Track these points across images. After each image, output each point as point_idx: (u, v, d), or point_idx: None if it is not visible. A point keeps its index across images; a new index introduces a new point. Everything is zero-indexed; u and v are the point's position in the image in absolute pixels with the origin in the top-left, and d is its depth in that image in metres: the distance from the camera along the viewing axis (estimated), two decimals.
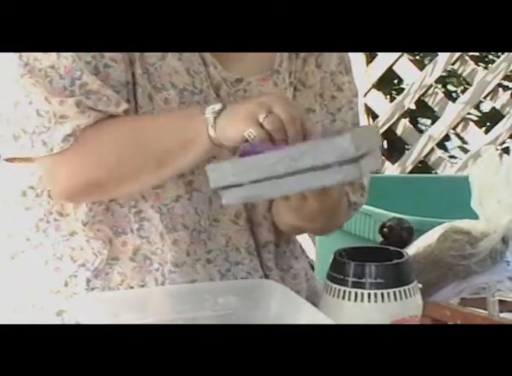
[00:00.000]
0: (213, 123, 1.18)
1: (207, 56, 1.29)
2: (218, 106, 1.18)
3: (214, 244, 1.32)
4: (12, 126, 1.23)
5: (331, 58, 1.40)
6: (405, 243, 1.52)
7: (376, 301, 1.20)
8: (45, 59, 1.22)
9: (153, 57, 1.26)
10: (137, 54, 1.26)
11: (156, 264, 1.29)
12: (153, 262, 1.29)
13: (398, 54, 3.59)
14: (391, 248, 1.30)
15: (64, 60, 1.22)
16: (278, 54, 1.35)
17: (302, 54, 1.38)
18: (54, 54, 1.22)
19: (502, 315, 1.32)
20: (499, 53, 3.88)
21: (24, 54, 1.22)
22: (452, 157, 4.06)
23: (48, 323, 1.27)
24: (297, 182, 1.12)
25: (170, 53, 1.27)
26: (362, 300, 1.20)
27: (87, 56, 1.22)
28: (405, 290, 1.21)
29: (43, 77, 1.21)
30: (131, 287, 1.28)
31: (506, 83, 3.91)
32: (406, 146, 3.69)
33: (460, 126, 3.74)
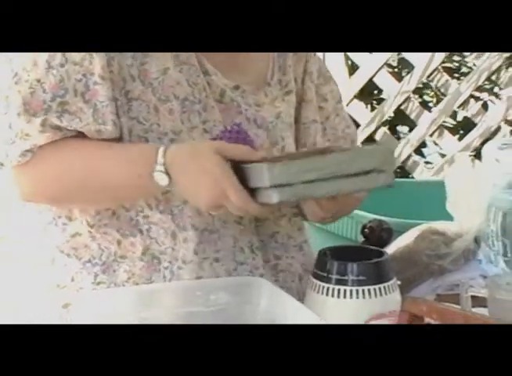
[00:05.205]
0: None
1: (209, 66, 1.35)
2: (164, 182, 1.22)
3: (224, 244, 1.34)
4: None
5: (313, 71, 1.47)
6: (385, 243, 1.55)
7: (358, 298, 1.23)
8: (33, 72, 1.25)
9: (155, 72, 1.31)
10: (136, 72, 1.30)
11: (166, 262, 1.32)
12: (162, 261, 1.32)
13: (379, 66, 3.67)
14: (372, 248, 1.33)
15: (52, 77, 1.25)
16: (270, 67, 1.42)
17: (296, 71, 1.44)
18: (43, 67, 1.25)
19: (475, 310, 1.35)
20: (472, 66, 3.97)
21: (15, 64, 1.25)
22: (427, 162, 4.12)
23: (50, 321, 1.31)
24: (340, 185, 1.18)
25: (171, 67, 1.32)
26: (344, 296, 1.23)
27: (77, 74, 1.25)
28: (385, 286, 1.24)
29: (26, 87, 1.25)
30: (137, 285, 1.31)
31: (477, 94, 4.00)
32: None
33: (436, 133, 3.82)
